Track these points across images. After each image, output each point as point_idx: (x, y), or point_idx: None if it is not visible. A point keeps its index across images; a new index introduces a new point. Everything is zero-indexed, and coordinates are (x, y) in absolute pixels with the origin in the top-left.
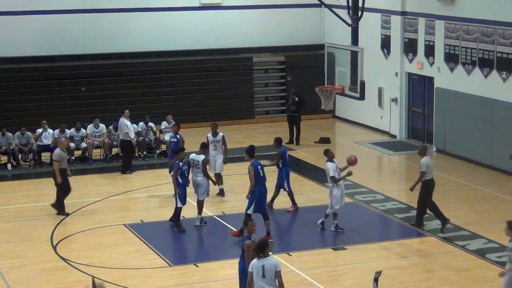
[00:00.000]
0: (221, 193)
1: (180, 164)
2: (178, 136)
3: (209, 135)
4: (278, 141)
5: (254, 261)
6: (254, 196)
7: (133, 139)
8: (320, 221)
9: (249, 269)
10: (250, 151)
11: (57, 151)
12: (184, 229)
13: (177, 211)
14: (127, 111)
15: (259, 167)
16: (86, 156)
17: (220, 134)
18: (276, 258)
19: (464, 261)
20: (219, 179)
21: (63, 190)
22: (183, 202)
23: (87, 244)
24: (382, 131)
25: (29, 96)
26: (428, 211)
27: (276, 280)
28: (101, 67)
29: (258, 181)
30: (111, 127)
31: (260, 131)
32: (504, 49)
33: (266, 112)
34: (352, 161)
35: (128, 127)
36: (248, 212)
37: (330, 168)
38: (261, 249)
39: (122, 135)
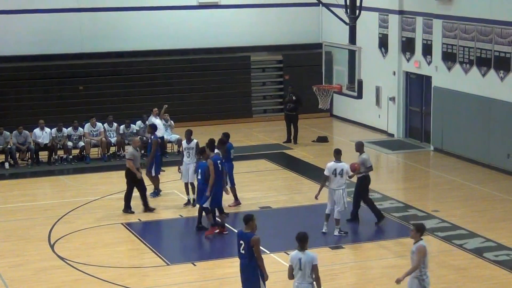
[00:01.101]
0: (189, 203)
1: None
2: (152, 137)
3: (184, 142)
4: (221, 141)
5: (293, 254)
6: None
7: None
8: (336, 232)
9: (289, 262)
10: (211, 145)
11: (131, 149)
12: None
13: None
14: (155, 109)
15: (218, 161)
16: (84, 155)
17: (194, 141)
18: (313, 252)
19: (461, 260)
20: (192, 188)
21: (141, 188)
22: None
23: (85, 243)
24: (379, 130)
25: (27, 95)
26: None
27: (313, 274)
28: (98, 66)
29: (217, 175)
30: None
31: (258, 130)
32: (502, 48)
33: (263, 111)
34: (355, 168)
35: (158, 125)
36: (205, 206)
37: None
38: (302, 243)
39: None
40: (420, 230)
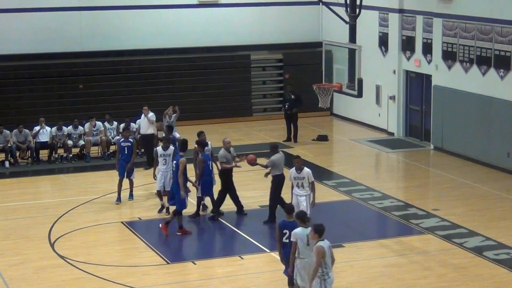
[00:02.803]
0: (162, 209)
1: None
2: (131, 140)
3: (159, 148)
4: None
5: (298, 230)
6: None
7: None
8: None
9: (292, 239)
10: (183, 146)
11: (222, 152)
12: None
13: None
14: (145, 107)
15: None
16: (84, 154)
17: (171, 148)
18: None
19: (461, 259)
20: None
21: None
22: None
23: (85, 242)
24: (379, 129)
25: (27, 93)
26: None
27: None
28: (99, 65)
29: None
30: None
31: (258, 129)
32: (502, 46)
33: (263, 110)
34: (250, 159)
35: (142, 122)
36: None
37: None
38: (304, 221)
39: (144, 130)
40: (317, 232)
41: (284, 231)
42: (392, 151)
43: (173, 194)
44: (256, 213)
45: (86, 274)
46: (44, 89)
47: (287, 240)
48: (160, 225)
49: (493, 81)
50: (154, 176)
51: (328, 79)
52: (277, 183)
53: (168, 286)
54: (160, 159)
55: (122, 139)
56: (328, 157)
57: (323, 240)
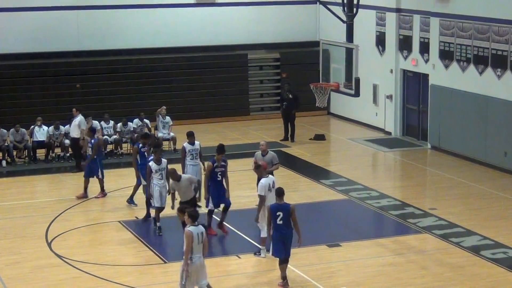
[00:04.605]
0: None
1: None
2: (93, 140)
3: (152, 163)
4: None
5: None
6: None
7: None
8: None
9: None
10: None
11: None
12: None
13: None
14: (74, 109)
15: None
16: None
17: (164, 161)
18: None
19: (458, 258)
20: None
21: None
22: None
23: (82, 241)
24: (377, 128)
25: (24, 92)
26: None
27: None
28: (96, 64)
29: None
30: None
31: (255, 128)
32: (499, 46)
33: (261, 109)
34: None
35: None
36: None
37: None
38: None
39: (76, 133)
40: (191, 216)
41: (278, 213)
42: (389, 150)
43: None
44: (254, 212)
45: (83, 273)
46: (41, 88)
47: (281, 222)
48: (215, 228)
49: (490, 80)
50: (150, 197)
51: (325, 79)
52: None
53: (165, 285)
54: (154, 176)
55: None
56: (325, 156)
57: (197, 225)
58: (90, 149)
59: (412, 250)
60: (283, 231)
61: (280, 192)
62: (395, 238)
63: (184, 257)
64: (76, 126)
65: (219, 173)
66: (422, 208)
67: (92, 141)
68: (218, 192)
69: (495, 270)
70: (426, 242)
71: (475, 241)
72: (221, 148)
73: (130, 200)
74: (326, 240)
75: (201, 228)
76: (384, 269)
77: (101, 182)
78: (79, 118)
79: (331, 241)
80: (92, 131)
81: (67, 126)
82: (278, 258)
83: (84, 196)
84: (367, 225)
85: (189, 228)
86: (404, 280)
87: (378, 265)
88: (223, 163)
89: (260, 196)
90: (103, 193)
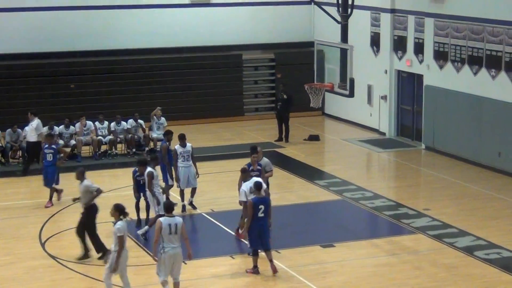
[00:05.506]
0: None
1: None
2: (54, 146)
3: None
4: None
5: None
6: None
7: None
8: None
9: (253, 205)
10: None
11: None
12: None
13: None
14: (29, 112)
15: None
16: (75, 154)
17: (149, 169)
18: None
19: (452, 258)
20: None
21: None
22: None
23: (76, 242)
24: (371, 129)
25: (20, 93)
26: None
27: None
28: (92, 64)
29: None
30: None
31: (250, 129)
32: (493, 46)
33: (255, 110)
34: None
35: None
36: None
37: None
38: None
39: (36, 136)
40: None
41: (260, 206)
42: (384, 150)
43: None
44: None
45: (76, 274)
46: (37, 88)
47: (262, 215)
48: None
49: (484, 81)
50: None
51: (320, 79)
52: (92, 212)
53: (158, 286)
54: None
55: (46, 145)
56: (319, 157)
57: (173, 216)
58: (51, 155)
59: (406, 250)
60: (262, 223)
61: (259, 186)
62: (389, 239)
63: (153, 245)
64: (33, 130)
65: (255, 176)
66: (416, 209)
67: (53, 146)
68: None
69: (488, 271)
70: (420, 242)
71: (469, 241)
72: (253, 149)
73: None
74: (320, 240)
75: (176, 220)
76: (378, 269)
77: (53, 191)
78: (36, 122)
79: (325, 241)
80: (50, 136)
81: (59, 128)
82: (254, 250)
83: (51, 204)
84: (361, 225)
85: (161, 218)
86: (398, 280)
87: (372, 265)
88: (258, 167)
89: (240, 202)
90: (51, 202)
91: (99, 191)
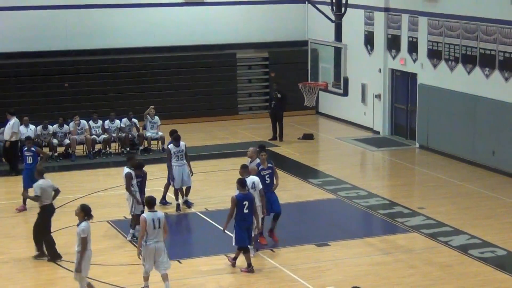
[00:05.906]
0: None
1: None
2: (33, 148)
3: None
4: None
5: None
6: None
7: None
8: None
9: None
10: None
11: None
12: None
13: None
14: (7, 112)
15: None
16: (69, 153)
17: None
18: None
19: (447, 257)
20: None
21: None
22: None
23: (70, 241)
24: (365, 127)
25: (13, 92)
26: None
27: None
28: (85, 63)
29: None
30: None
31: (244, 127)
32: (487, 45)
33: (249, 108)
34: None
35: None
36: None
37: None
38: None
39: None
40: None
41: (244, 203)
42: (378, 149)
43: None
44: None
45: (71, 273)
46: (30, 87)
47: (247, 211)
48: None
49: (478, 79)
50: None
51: (314, 78)
52: (46, 213)
53: (153, 285)
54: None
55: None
56: (313, 155)
57: (155, 211)
58: (31, 158)
59: (400, 249)
60: (248, 219)
61: (243, 183)
62: (384, 237)
63: (138, 241)
64: (10, 129)
65: (267, 175)
66: (410, 207)
67: (33, 148)
68: (268, 198)
69: (483, 269)
70: (414, 241)
71: (463, 240)
72: (262, 147)
73: (164, 201)
74: (315, 239)
75: (158, 214)
76: (372, 268)
77: (26, 194)
78: (13, 121)
79: (319, 240)
80: (28, 139)
81: (53, 127)
82: (242, 248)
83: (24, 208)
84: (356, 224)
85: (144, 214)
86: (392, 279)
87: (367, 264)
88: (269, 165)
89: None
90: (24, 206)
91: (57, 191)
